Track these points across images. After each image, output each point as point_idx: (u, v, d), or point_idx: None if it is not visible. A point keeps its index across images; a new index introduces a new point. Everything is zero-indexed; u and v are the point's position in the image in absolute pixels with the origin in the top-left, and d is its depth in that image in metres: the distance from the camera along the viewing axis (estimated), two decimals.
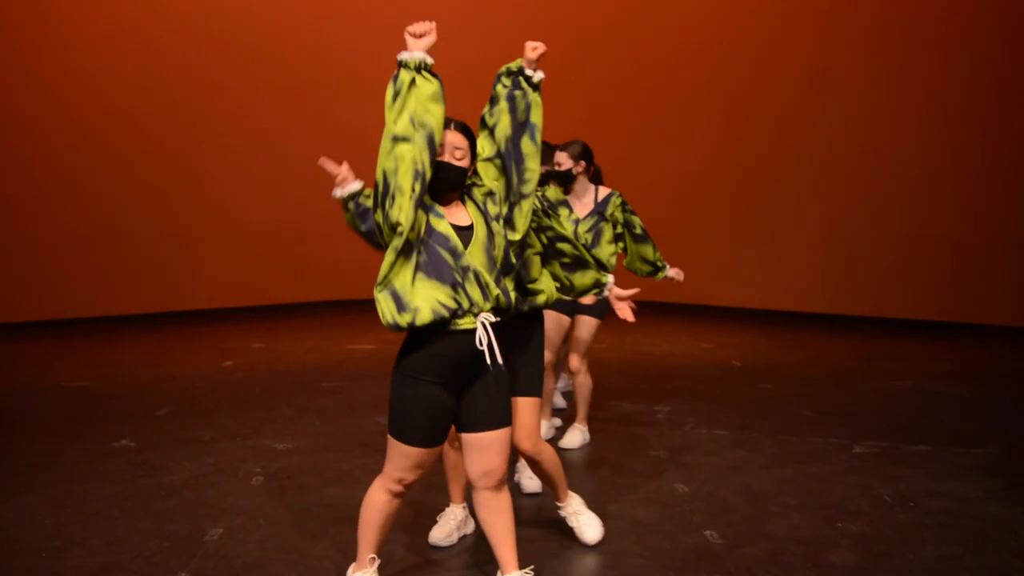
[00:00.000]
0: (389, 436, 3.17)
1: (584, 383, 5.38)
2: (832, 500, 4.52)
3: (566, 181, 5.14)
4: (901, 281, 9.51)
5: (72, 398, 6.55)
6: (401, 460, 3.15)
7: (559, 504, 3.97)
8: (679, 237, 10.15)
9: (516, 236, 3.19)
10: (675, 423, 5.91)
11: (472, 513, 4.12)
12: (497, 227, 3.15)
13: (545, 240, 3.48)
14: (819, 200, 9.80)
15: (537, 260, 3.49)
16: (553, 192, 5.19)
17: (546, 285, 3.52)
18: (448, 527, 4.02)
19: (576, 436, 5.39)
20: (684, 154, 10.22)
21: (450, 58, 10.19)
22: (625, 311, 3.63)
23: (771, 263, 10.02)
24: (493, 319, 3.11)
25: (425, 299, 2.99)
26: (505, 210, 3.17)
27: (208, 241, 10.14)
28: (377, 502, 3.23)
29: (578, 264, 3.52)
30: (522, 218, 3.19)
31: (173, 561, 3.72)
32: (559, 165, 5.11)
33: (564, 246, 3.49)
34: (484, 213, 3.15)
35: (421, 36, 2.97)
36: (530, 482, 4.68)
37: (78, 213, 9.55)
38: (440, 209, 3.09)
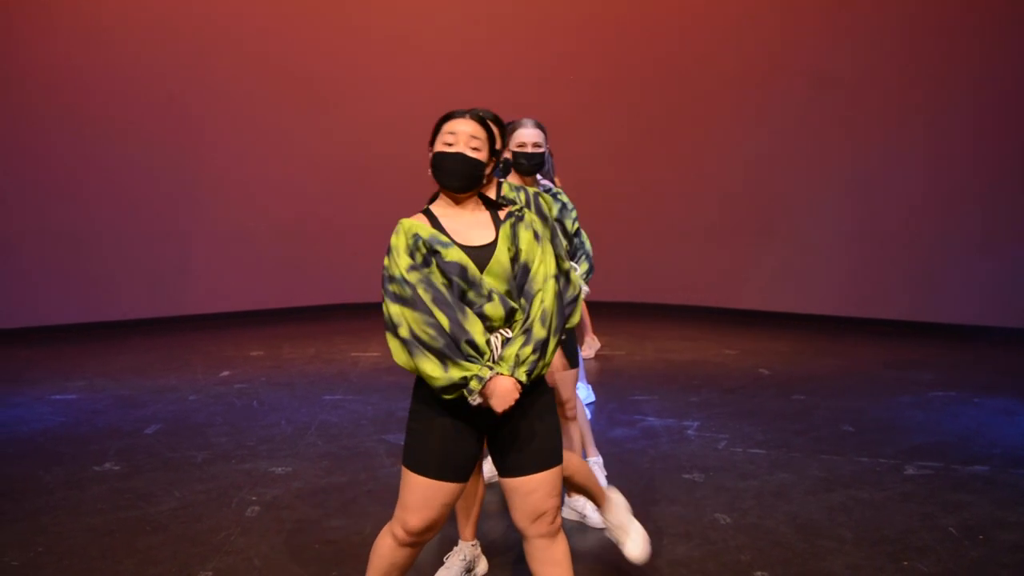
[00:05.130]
0: (403, 467, 2.73)
1: (581, 413, 4.52)
2: (892, 533, 4.07)
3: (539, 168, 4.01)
4: (934, 283, 9.02)
5: (55, 413, 6.09)
6: (410, 495, 2.69)
7: (601, 514, 3.49)
8: (701, 237, 9.72)
9: None
10: (707, 441, 5.46)
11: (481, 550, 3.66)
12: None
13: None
14: (846, 198, 9.32)
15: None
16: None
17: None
18: (455, 570, 3.55)
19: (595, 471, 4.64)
20: (704, 151, 9.75)
21: (450, 56, 9.79)
22: None
23: (796, 264, 9.53)
24: (509, 335, 2.68)
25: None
26: None
27: (205, 242, 9.65)
28: (380, 547, 2.79)
29: None
30: None
31: None
32: (536, 147, 3.92)
33: None
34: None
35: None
36: (596, 515, 4.12)
37: (65, 213, 9.05)
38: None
